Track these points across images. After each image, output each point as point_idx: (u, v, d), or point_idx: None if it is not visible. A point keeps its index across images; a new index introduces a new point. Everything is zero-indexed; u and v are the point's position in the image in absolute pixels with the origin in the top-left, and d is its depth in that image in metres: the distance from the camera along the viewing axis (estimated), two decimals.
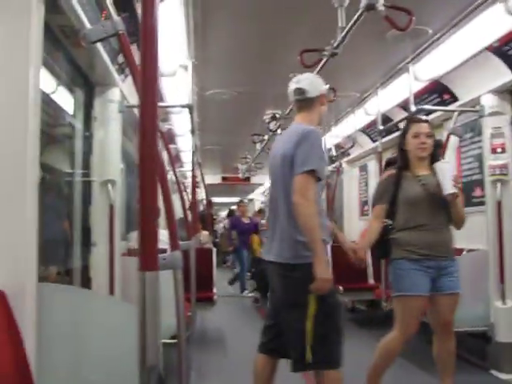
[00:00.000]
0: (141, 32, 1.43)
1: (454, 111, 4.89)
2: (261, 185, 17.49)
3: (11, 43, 1.88)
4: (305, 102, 3.03)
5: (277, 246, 2.89)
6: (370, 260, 5.86)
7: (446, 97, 5.38)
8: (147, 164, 1.39)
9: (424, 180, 3.34)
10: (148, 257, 1.37)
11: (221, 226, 18.58)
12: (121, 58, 3.71)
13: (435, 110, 5.14)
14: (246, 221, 10.27)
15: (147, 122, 1.39)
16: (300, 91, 3.01)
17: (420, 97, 5.53)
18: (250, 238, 10.24)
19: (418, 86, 5.36)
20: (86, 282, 3.72)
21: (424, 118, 4.01)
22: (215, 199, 18.94)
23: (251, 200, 19.59)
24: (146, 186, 1.38)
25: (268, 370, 3.06)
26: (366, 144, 8.10)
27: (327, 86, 3.13)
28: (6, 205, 1.82)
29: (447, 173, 3.23)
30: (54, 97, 3.44)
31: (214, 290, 5.73)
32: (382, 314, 5.69)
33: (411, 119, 3.70)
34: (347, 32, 3.38)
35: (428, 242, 3.25)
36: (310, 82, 3.04)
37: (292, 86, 3.05)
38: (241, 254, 9.93)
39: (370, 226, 3.48)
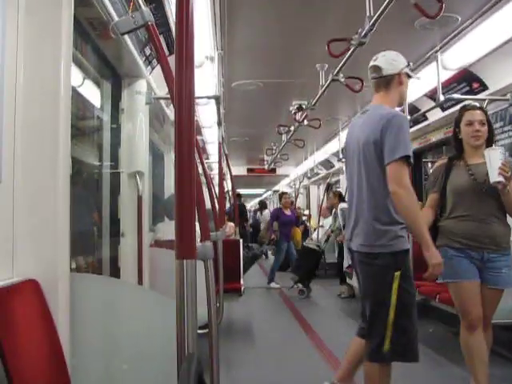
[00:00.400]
0: (177, 23, 1.43)
1: (483, 100, 4.81)
2: (286, 176, 17.47)
3: (42, 38, 1.88)
4: (381, 80, 2.89)
5: (359, 235, 2.83)
6: None
7: (475, 86, 5.30)
8: (185, 156, 1.39)
9: (474, 169, 3.27)
10: (186, 245, 1.38)
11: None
12: (147, 50, 3.72)
13: (464, 99, 5.04)
14: (287, 212, 10.19)
15: (184, 115, 1.38)
16: (376, 69, 2.89)
17: (448, 86, 5.45)
18: (292, 230, 10.23)
19: (447, 75, 5.28)
20: (115, 273, 3.76)
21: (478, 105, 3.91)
22: (240, 191, 19.01)
23: (277, 191, 19.59)
24: (184, 177, 1.38)
25: (359, 352, 3.05)
26: None
27: (410, 65, 2.94)
28: (39, 196, 1.84)
29: (494, 160, 3.11)
30: (82, 89, 3.47)
31: (242, 281, 5.74)
32: None
33: (464, 107, 3.62)
34: (375, 21, 3.34)
35: (471, 232, 3.20)
36: (387, 59, 2.88)
37: (370, 63, 2.94)
38: (280, 245, 9.84)
39: (423, 214, 3.44)
